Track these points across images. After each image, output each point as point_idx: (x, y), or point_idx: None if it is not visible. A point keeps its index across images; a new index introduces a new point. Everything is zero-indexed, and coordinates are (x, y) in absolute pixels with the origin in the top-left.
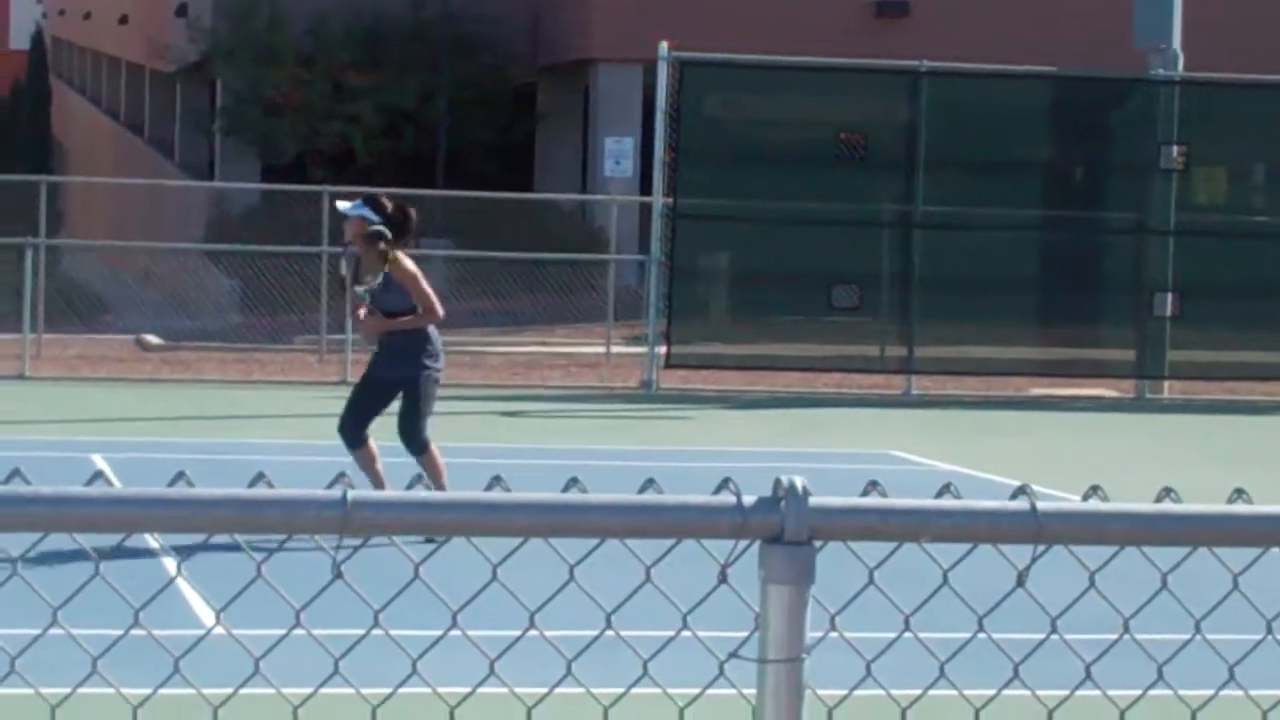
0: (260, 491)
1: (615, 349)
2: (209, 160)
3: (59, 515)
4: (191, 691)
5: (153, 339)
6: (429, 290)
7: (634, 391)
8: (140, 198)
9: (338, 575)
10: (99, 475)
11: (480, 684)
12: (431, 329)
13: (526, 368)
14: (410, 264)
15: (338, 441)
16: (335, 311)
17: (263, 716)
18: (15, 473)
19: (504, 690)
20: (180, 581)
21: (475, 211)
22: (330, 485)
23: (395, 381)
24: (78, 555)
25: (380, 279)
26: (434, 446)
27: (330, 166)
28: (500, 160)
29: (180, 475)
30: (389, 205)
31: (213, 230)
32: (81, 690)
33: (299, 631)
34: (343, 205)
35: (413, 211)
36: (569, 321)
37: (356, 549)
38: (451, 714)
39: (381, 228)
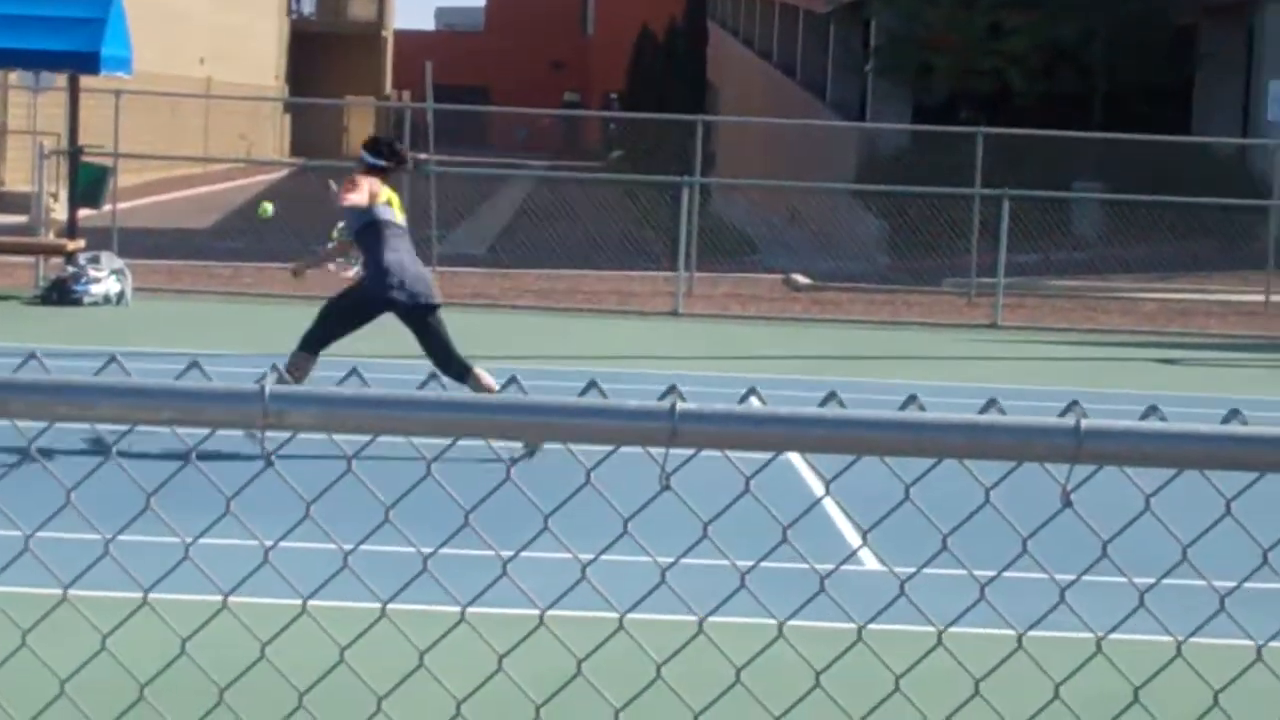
0: (990, 418)
1: (1275, 297)
2: (860, 101)
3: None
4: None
5: (801, 278)
6: (359, 192)
7: None
8: (790, 139)
9: (1068, 503)
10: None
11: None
12: (389, 261)
13: (1183, 315)
14: (363, 188)
15: (986, 384)
16: (985, 254)
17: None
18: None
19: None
20: (828, 503)
21: (1130, 155)
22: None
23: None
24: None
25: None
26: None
27: (982, 108)
28: (1158, 102)
29: (831, 395)
30: (380, 143)
31: (862, 171)
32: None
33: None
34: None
35: (403, 150)
36: (1224, 269)
37: None
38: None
39: (367, 157)
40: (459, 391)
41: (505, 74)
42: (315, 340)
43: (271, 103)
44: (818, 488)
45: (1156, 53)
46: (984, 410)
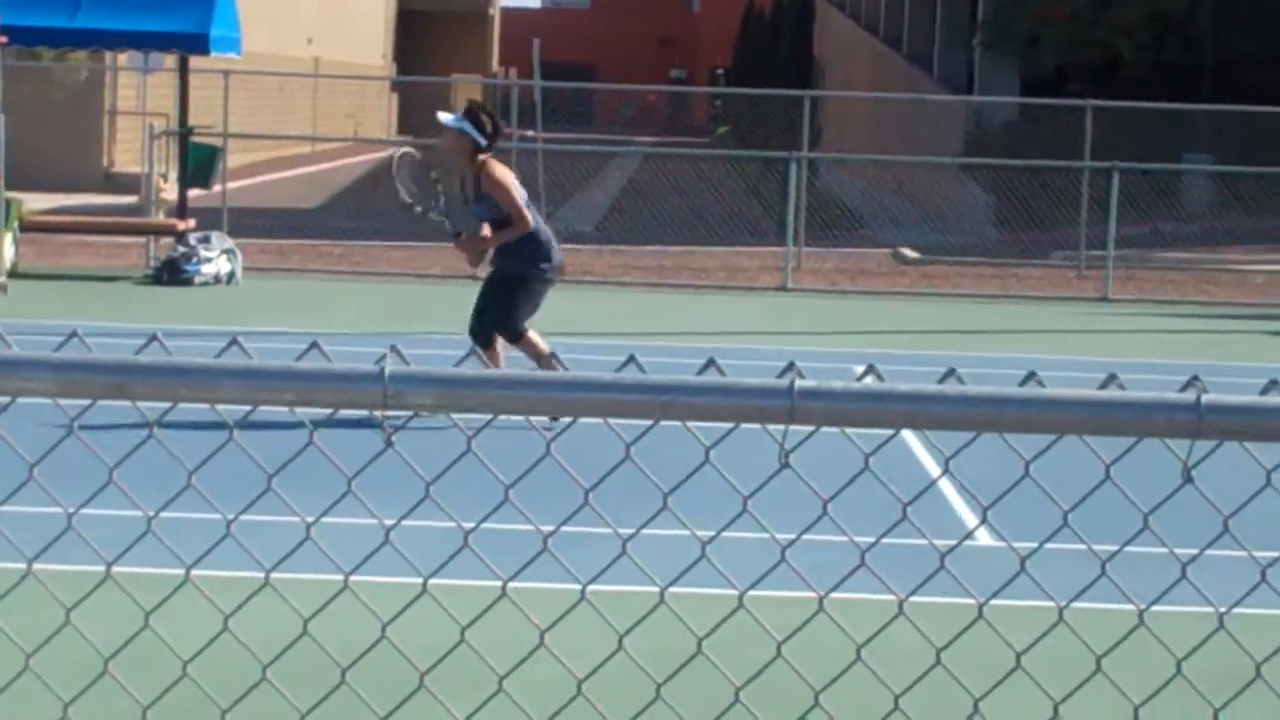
0: (1112, 394)
1: None
2: (967, 74)
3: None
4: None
5: (909, 252)
6: (518, 200)
7: None
8: (897, 112)
9: (1189, 479)
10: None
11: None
12: (541, 233)
13: None
14: (500, 172)
15: (1099, 357)
16: (1093, 227)
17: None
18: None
19: None
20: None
21: (1240, 126)
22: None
23: (509, 277)
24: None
25: (463, 195)
26: (498, 348)
27: (1091, 80)
28: (1267, 72)
29: (950, 372)
30: (484, 117)
31: (970, 145)
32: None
33: None
34: (444, 116)
35: (503, 124)
36: None
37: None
38: None
39: (472, 132)
40: (578, 372)
41: (611, 51)
42: (510, 330)
43: (379, 82)
44: (929, 463)
45: (1265, 22)
46: (1104, 386)
